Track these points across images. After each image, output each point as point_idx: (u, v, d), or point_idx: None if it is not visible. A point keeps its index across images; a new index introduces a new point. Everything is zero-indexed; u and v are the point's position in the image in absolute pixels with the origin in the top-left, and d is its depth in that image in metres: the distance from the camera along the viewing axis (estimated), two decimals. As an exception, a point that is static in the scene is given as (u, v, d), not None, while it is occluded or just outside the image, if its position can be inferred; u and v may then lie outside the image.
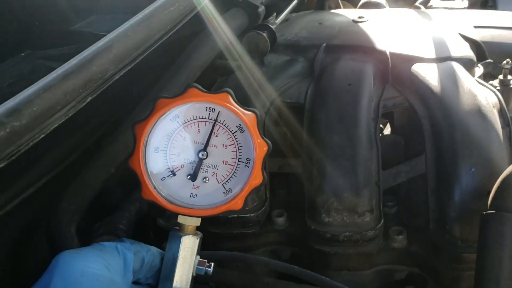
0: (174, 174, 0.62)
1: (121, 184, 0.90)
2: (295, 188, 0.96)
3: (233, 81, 1.01)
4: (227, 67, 1.20)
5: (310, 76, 1.03)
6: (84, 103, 0.62)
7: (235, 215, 0.89)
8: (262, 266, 0.92)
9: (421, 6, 1.41)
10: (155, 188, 0.62)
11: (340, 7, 1.49)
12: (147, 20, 0.72)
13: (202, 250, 0.65)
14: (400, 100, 0.96)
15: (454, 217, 0.83)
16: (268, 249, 0.96)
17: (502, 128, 0.88)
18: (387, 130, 1.16)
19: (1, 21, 1.04)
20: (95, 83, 0.61)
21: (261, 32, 1.02)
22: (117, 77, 0.66)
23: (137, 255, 0.60)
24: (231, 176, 0.62)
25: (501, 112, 0.91)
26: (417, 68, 0.97)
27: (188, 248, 0.62)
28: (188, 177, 0.62)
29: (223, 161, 0.62)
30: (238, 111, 0.61)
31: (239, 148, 0.62)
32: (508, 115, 0.91)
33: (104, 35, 0.67)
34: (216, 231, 0.91)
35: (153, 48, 0.75)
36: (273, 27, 1.07)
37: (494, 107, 0.90)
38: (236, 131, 0.62)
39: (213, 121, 0.61)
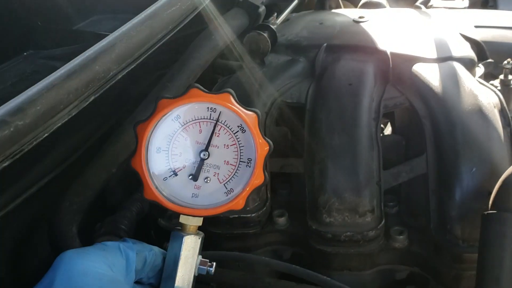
0: (176, 174, 0.62)
1: (121, 184, 0.90)
2: (296, 188, 0.97)
3: (234, 81, 1.01)
4: (228, 67, 1.20)
5: (311, 76, 1.03)
6: (87, 103, 0.62)
7: (236, 215, 0.89)
8: (263, 266, 0.92)
9: (422, 6, 1.41)
10: (157, 188, 0.62)
11: (340, 7, 1.49)
12: (150, 19, 0.72)
13: (203, 250, 0.65)
14: (401, 100, 0.96)
15: (455, 217, 0.83)
16: (269, 249, 0.96)
17: (503, 128, 0.88)
18: (388, 130, 1.16)
19: (4, 21, 1.04)
20: (98, 83, 0.61)
21: (262, 32, 1.02)
22: (119, 76, 0.67)
23: (139, 254, 0.60)
24: (232, 176, 0.62)
25: (502, 112, 0.91)
26: (418, 68, 0.97)
27: (190, 248, 0.62)
28: (189, 177, 0.62)
29: (225, 161, 0.62)
30: (239, 111, 0.61)
31: (241, 148, 0.62)
32: (509, 115, 0.91)
33: (106, 35, 0.67)
34: (217, 231, 0.91)
35: (155, 48, 0.75)
36: (273, 27, 1.07)
37: (495, 107, 0.90)
38: (238, 131, 0.62)
39: (215, 121, 0.61)
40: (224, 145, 0.62)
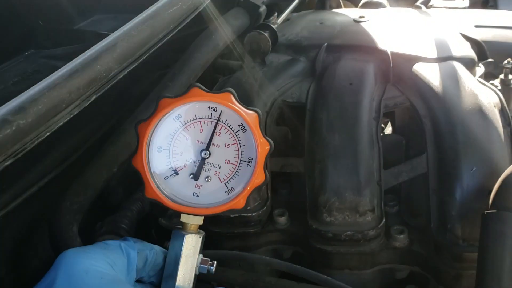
0: (177, 173, 0.63)
1: (121, 183, 0.91)
2: (296, 188, 0.97)
3: (235, 81, 1.01)
4: (229, 66, 1.20)
5: (311, 75, 1.03)
6: (89, 102, 0.62)
7: (237, 215, 0.89)
8: (264, 266, 0.93)
9: (422, 6, 1.41)
10: (158, 187, 0.62)
11: (341, 7, 1.49)
12: (151, 19, 0.72)
13: (204, 249, 0.65)
14: (401, 100, 0.96)
15: (455, 217, 0.83)
16: (270, 248, 0.96)
17: (503, 127, 0.88)
18: (388, 130, 1.16)
19: (5, 21, 1.04)
20: (99, 82, 0.62)
21: (263, 32, 1.02)
22: (120, 76, 0.67)
23: (140, 253, 0.60)
24: (233, 175, 0.62)
25: (502, 111, 0.91)
26: (418, 67, 0.97)
27: (191, 247, 0.63)
28: (191, 176, 0.62)
29: (226, 160, 0.62)
30: (240, 110, 0.61)
31: (241, 147, 0.62)
32: (509, 115, 0.91)
33: (107, 34, 0.67)
34: (217, 231, 0.92)
35: (156, 47, 0.75)
36: (274, 26, 1.07)
37: (495, 106, 0.90)
38: (238, 130, 0.62)
39: (216, 121, 0.62)
40: (225, 144, 0.62)
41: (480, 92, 0.91)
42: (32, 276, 0.75)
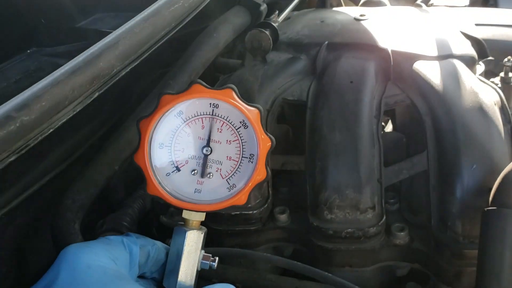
0: (178, 170, 0.63)
1: (123, 181, 0.91)
2: (297, 186, 0.97)
3: (236, 79, 1.02)
4: (229, 65, 1.20)
5: (312, 74, 1.03)
6: (91, 99, 0.63)
7: (238, 212, 0.90)
8: (265, 263, 0.93)
9: (422, 4, 1.41)
10: (160, 183, 0.62)
11: (341, 5, 1.50)
12: (153, 17, 0.72)
13: (205, 247, 0.66)
14: (402, 98, 0.96)
15: (455, 214, 0.84)
16: (271, 245, 0.97)
17: (504, 125, 0.89)
18: (389, 128, 1.16)
19: (7, 19, 1.04)
20: (102, 79, 0.62)
21: (264, 30, 1.03)
22: (123, 73, 0.67)
23: (142, 249, 0.60)
24: (235, 172, 0.63)
25: (502, 109, 0.91)
26: (418, 65, 0.97)
27: (193, 243, 0.63)
28: (192, 173, 0.63)
29: (227, 156, 0.63)
30: (241, 107, 0.61)
31: (243, 144, 0.62)
32: (509, 112, 0.91)
33: (109, 33, 0.68)
34: (218, 228, 0.92)
35: (158, 45, 0.75)
36: (275, 25, 1.07)
37: (495, 104, 0.91)
38: (240, 127, 0.62)
39: (217, 117, 0.62)
40: (227, 140, 0.62)
41: (481, 90, 0.91)
42: (35, 273, 0.75)
